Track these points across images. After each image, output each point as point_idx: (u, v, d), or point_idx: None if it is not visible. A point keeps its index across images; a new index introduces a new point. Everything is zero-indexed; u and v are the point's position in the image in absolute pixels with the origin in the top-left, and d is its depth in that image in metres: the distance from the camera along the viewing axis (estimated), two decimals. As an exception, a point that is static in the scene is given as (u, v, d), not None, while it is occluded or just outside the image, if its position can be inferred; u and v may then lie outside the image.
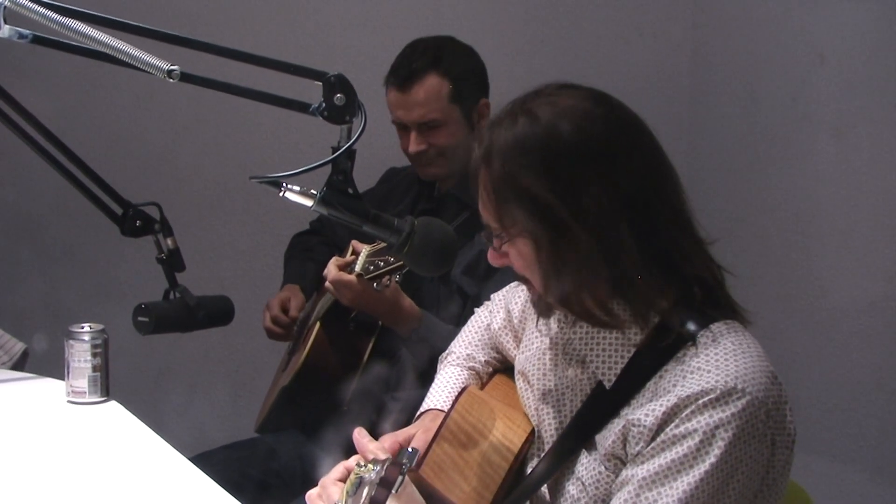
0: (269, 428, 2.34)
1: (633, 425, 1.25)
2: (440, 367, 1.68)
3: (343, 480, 1.28)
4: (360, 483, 1.11)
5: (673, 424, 1.22)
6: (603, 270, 1.26)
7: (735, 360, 1.24)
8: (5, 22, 1.37)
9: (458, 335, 1.71)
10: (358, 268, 2.03)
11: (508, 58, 2.94)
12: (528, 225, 1.26)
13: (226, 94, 1.38)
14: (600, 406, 1.32)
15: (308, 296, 2.46)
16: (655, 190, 1.30)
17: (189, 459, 1.52)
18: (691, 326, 1.28)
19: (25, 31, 1.40)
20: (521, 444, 1.39)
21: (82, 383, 1.76)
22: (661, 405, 1.23)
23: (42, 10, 1.31)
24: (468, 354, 1.65)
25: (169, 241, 1.75)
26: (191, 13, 2.94)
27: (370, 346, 2.17)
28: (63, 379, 1.78)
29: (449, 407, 1.45)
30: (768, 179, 2.81)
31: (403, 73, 2.24)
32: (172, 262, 1.75)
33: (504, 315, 1.62)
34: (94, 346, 1.75)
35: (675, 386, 1.24)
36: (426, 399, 1.61)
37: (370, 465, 1.12)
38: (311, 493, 1.31)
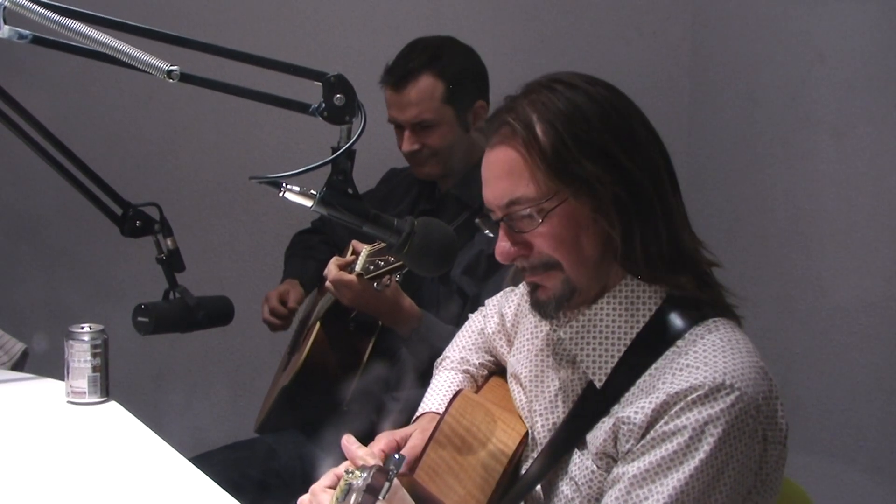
0: (269, 428, 2.34)
1: (624, 423, 1.25)
2: (436, 371, 1.68)
3: (333, 487, 1.28)
4: (349, 489, 1.11)
5: (662, 421, 1.22)
6: (660, 230, 1.29)
7: (724, 355, 1.24)
8: (5, 22, 1.37)
9: (453, 340, 1.71)
10: (358, 267, 2.03)
11: (508, 58, 2.93)
12: (601, 178, 1.26)
13: (226, 94, 1.38)
14: (591, 405, 1.33)
15: (307, 291, 2.46)
16: (667, 178, 1.33)
17: (189, 460, 1.52)
18: (681, 323, 1.29)
19: (25, 32, 1.40)
20: (515, 446, 1.39)
21: (82, 383, 1.75)
22: (650, 402, 1.23)
23: (42, 10, 1.31)
24: (462, 358, 1.65)
25: (169, 242, 1.75)
26: (191, 13, 2.94)
27: (370, 346, 2.17)
28: (63, 379, 1.78)
29: (443, 411, 1.45)
30: (768, 179, 2.81)
31: (398, 72, 2.24)
32: (172, 263, 1.75)
33: (498, 320, 1.63)
34: (93, 347, 1.75)
35: (664, 383, 1.24)
36: (422, 403, 1.61)
37: (357, 472, 1.12)
38: (303, 500, 1.32)
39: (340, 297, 2.07)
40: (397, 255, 1.38)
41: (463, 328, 1.71)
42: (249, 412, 2.52)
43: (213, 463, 2.05)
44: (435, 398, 1.59)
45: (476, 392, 1.59)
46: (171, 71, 1.29)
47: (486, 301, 1.71)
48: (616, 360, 1.31)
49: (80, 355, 1.75)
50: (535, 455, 1.40)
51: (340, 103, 1.34)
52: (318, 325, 2.20)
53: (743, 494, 1.25)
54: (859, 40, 2.52)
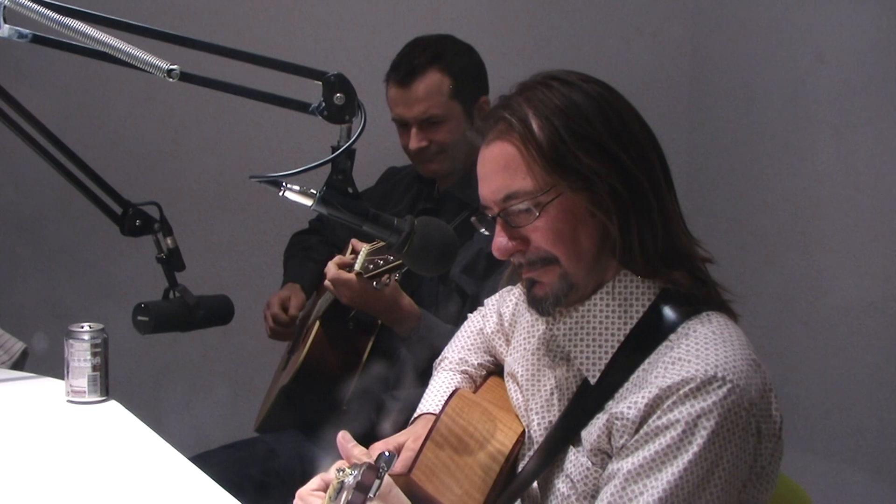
0: (269, 427, 2.34)
1: (617, 418, 1.25)
2: (434, 372, 1.68)
3: (321, 490, 1.28)
4: (341, 488, 1.11)
5: (655, 416, 1.22)
6: (656, 225, 1.30)
7: (716, 348, 1.24)
8: (5, 21, 1.37)
9: (452, 341, 1.71)
10: (357, 266, 2.03)
11: (508, 58, 2.93)
12: (598, 172, 1.27)
13: (226, 94, 1.38)
14: (586, 402, 1.33)
15: (308, 295, 2.46)
16: (662, 174, 1.34)
17: (189, 459, 1.52)
18: (675, 317, 1.29)
19: (25, 31, 1.40)
20: (511, 445, 1.39)
21: (82, 383, 1.75)
22: (643, 397, 1.24)
23: (42, 9, 1.31)
24: (461, 358, 1.65)
25: (168, 241, 1.75)
26: (191, 13, 2.94)
27: (370, 345, 2.17)
28: (63, 378, 1.78)
29: (439, 411, 1.45)
30: (768, 179, 2.81)
31: (404, 69, 2.24)
32: (172, 262, 1.75)
33: (496, 319, 1.63)
34: (93, 346, 1.75)
35: (656, 377, 1.24)
36: (420, 404, 1.61)
37: (348, 471, 1.13)
38: None
39: (339, 295, 2.07)
40: (397, 254, 1.37)
41: (461, 328, 1.71)
42: (249, 412, 2.52)
43: (212, 462, 2.04)
44: (433, 399, 1.59)
45: (474, 392, 1.59)
46: (171, 70, 1.29)
47: (485, 301, 1.71)
48: (610, 355, 1.32)
49: (80, 354, 1.75)
50: (531, 453, 1.40)
51: (340, 102, 1.34)
52: (317, 324, 2.19)
53: (738, 487, 1.24)
54: (859, 40, 2.52)
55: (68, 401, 1.77)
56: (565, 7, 3.16)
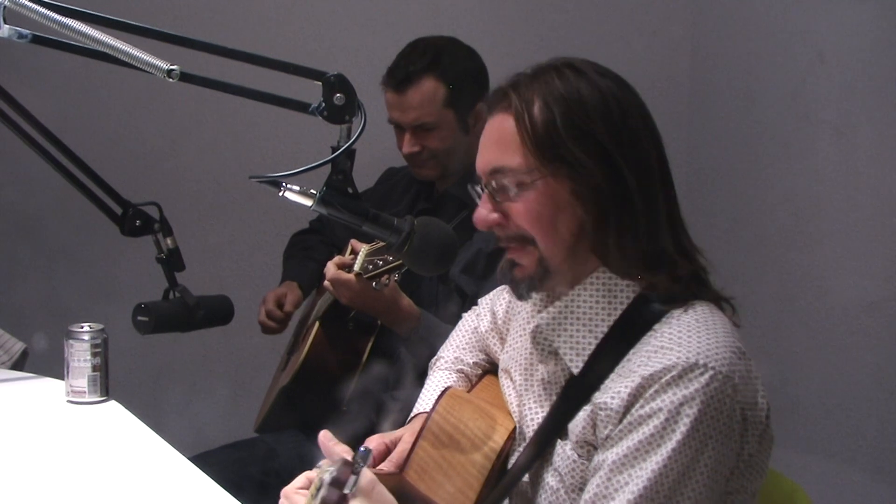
0: (269, 428, 2.34)
1: (601, 409, 1.26)
2: (430, 372, 1.68)
3: (306, 488, 1.29)
4: (321, 485, 1.11)
5: (638, 405, 1.22)
6: (639, 227, 1.30)
7: (698, 335, 1.25)
8: (5, 22, 1.37)
9: (447, 340, 1.71)
10: (357, 267, 2.03)
11: (508, 58, 2.92)
12: (586, 165, 1.28)
13: (226, 94, 1.38)
14: (573, 394, 1.33)
15: (306, 294, 2.46)
16: (659, 179, 1.34)
17: (189, 459, 1.52)
18: (659, 307, 1.30)
19: (25, 31, 1.40)
20: (503, 442, 1.39)
21: (82, 383, 1.76)
22: (625, 386, 1.24)
23: (42, 9, 1.32)
24: (456, 358, 1.65)
25: (168, 241, 1.75)
26: (191, 13, 2.94)
27: (369, 345, 2.17)
28: (63, 379, 1.78)
29: (430, 409, 1.46)
30: (768, 179, 2.81)
31: (399, 74, 2.24)
32: (172, 262, 1.75)
33: (490, 318, 1.63)
34: (93, 346, 1.75)
35: (639, 366, 1.25)
36: (416, 404, 1.61)
37: (325, 468, 1.13)
38: None
39: (339, 296, 2.07)
40: (397, 254, 1.38)
41: (457, 328, 1.72)
42: (249, 412, 2.52)
43: (212, 462, 2.04)
44: (428, 399, 1.59)
45: (469, 391, 1.59)
46: (171, 70, 1.29)
47: (479, 300, 1.71)
48: (593, 346, 1.32)
49: (80, 355, 1.75)
50: (521, 448, 1.40)
51: (340, 103, 1.34)
52: (317, 324, 2.20)
53: (725, 475, 1.24)
54: (859, 40, 2.52)
55: (68, 401, 1.77)
56: (565, 7, 3.16)
